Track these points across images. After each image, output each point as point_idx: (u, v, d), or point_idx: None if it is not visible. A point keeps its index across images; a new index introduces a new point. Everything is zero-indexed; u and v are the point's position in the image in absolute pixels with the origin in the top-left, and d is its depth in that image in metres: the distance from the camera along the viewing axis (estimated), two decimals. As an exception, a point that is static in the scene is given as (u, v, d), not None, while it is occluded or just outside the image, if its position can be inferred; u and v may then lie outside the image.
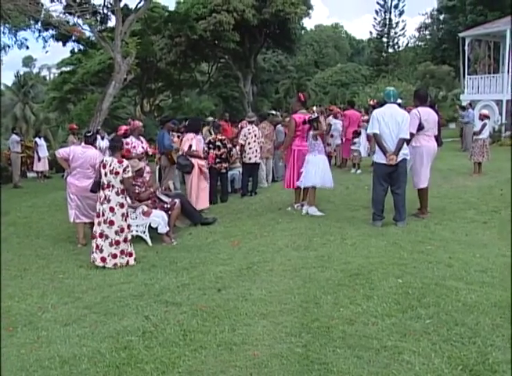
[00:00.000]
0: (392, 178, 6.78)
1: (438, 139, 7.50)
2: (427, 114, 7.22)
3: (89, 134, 7.65)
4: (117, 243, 6.11)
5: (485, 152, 11.32)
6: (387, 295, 4.27)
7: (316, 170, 7.71)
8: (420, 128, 7.10)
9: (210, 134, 10.36)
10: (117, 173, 6.08)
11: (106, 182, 6.16)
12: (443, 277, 4.64)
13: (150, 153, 9.16)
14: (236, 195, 10.46)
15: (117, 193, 6.14)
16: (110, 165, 6.12)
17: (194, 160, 8.78)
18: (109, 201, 6.13)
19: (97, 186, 6.38)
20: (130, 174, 6.11)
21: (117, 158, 6.18)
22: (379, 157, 6.81)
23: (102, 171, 6.21)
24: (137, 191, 7.25)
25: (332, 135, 13.09)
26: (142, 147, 8.64)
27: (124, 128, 9.35)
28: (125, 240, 6.18)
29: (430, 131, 7.29)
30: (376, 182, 6.90)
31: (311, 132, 7.79)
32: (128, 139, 8.54)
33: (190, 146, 8.78)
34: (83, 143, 7.59)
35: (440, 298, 4.15)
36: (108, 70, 23.56)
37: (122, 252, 6.14)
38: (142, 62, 23.04)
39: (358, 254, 5.53)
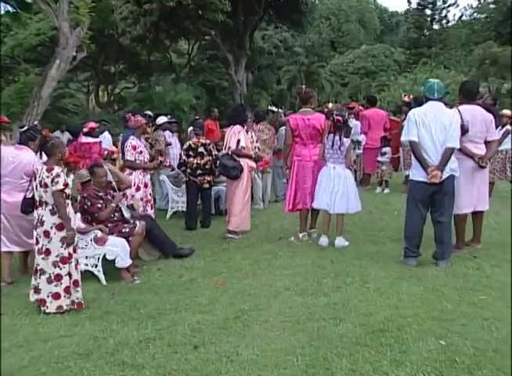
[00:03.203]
0: (434, 201, 6.80)
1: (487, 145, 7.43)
2: (472, 114, 7.21)
3: (23, 129, 7.62)
4: (59, 278, 6.05)
5: (509, 168, 11.32)
6: (425, 362, 4.25)
7: (327, 188, 7.76)
8: (463, 131, 7.04)
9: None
10: (45, 185, 5.98)
11: (38, 199, 6.13)
12: (505, 340, 4.60)
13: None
14: (222, 218, 10.45)
15: (52, 212, 6.05)
16: (40, 176, 6.06)
17: (243, 162, 8.64)
18: (42, 224, 6.07)
19: (29, 205, 6.41)
20: (60, 186, 5.92)
21: (48, 165, 6.08)
22: (417, 174, 6.81)
23: (33, 183, 6.22)
24: (99, 206, 7.28)
25: (352, 142, 13.13)
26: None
27: (91, 125, 9.26)
28: (70, 275, 6.12)
29: (477, 137, 7.30)
30: (413, 207, 6.92)
31: (332, 136, 7.77)
32: (134, 142, 8.63)
33: (238, 142, 8.68)
34: (16, 143, 7.60)
35: (501, 371, 4.11)
36: (50, 43, 23.47)
37: (67, 290, 6.07)
38: (98, 35, 23.05)
39: (383, 303, 5.55)
